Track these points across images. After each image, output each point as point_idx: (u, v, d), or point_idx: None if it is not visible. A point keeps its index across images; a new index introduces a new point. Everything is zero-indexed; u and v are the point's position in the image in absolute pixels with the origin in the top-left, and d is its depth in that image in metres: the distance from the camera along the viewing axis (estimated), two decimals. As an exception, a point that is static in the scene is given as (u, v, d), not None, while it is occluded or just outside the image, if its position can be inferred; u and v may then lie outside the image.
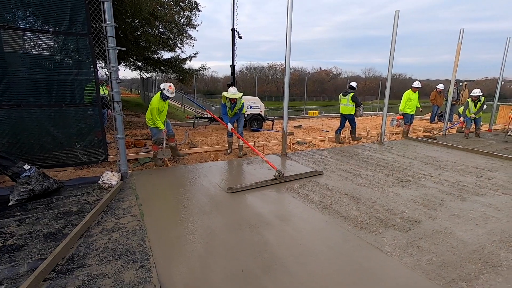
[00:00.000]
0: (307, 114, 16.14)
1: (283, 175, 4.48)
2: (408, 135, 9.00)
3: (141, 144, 6.76)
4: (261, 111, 10.23)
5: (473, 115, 8.96)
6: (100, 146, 4.46)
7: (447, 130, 9.77)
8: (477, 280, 2.28)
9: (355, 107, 7.77)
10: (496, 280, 2.27)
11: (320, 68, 65.16)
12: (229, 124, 6.07)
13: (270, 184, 4.34)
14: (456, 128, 10.58)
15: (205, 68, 16.77)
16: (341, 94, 8.08)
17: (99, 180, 4.11)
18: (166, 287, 2.12)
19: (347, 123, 8.20)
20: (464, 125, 9.51)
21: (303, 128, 10.96)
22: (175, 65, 14.95)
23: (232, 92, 6.02)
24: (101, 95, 4.44)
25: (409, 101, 8.84)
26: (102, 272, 2.25)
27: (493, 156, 6.49)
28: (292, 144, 7.57)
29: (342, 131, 8.32)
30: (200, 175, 4.77)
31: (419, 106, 9.39)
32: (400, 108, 9.03)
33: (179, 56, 14.98)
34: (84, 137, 4.33)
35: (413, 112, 9.04)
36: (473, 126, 9.35)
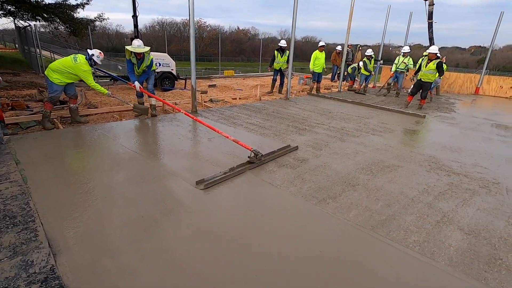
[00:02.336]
0: (223, 74, 16.00)
1: (261, 155, 3.54)
2: (313, 92, 9.97)
3: (22, 106, 5.68)
4: (172, 69, 9.66)
5: (371, 70, 10.36)
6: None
7: (361, 87, 11.07)
8: (340, 196, 2.91)
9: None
10: (353, 194, 2.95)
11: (238, 28, 63.68)
12: (136, 83, 5.53)
13: (243, 171, 3.36)
14: (348, 85, 12.19)
15: (103, 19, 14.52)
16: (277, 52, 9.21)
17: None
18: (56, 242, 2.05)
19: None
20: (354, 83, 11.08)
21: (217, 87, 10.93)
22: (62, 12, 12.41)
23: (137, 46, 5.37)
24: None
25: (317, 60, 9.67)
26: (-28, 240, 2.00)
27: (371, 107, 7.86)
28: (205, 102, 7.54)
29: (276, 84, 9.81)
30: (100, 135, 4.40)
31: (325, 67, 10.40)
32: (310, 67, 9.84)
33: (67, 2, 12.44)
34: None
35: (321, 71, 9.97)
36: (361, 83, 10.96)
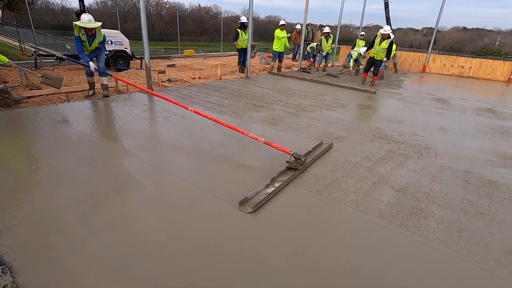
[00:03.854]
0: (183, 53, 15.42)
1: (304, 160, 2.98)
2: (274, 71, 10.05)
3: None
4: (125, 48, 9.12)
5: (327, 48, 10.62)
6: None
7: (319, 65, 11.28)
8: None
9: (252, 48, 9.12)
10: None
11: (199, 5, 60.74)
12: (91, 63, 5.15)
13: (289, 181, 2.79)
14: (308, 64, 12.45)
15: (44, -9, 12.93)
16: (240, 30, 9.14)
17: None
18: (-4, 224, 1.97)
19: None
20: (312, 62, 11.37)
21: (177, 67, 10.57)
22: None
23: (88, 21, 4.90)
24: None
25: (278, 39, 9.68)
26: None
27: (328, 84, 8.19)
28: (162, 81, 7.30)
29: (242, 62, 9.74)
30: (44, 117, 4.12)
31: (288, 45, 10.46)
32: (273, 48, 9.81)
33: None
34: None
35: (282, 50, 10.01)
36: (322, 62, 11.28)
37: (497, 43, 55.98)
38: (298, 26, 13.49)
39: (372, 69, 8.23)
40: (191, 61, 13.22)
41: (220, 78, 8.54)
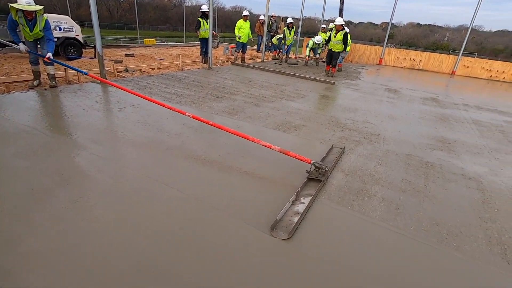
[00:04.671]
0: (143, 43, 14.72)
1: (326, 169, 2.72)
2: (238, 62, 9.99)
3: None
4: (77, 35, 8.48)
5: (290, 40, 10.78)
6: None
7: (285, 56, 11.34)
8: (248, 152, 3.15)
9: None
10: (262, 149, 3.21)
11: (161, -8, 57.86)
12: (21, 44, 4.69)
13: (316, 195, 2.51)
14: (271, 55, 12.57)
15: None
16: (202, 19, 9.04)
17: None
18: None
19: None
20: (278, 53, 11.48)
21: (135, 56, 10.08)
22: None
23: (26, 3, 4.42)
24: None
25: (241, 30, 9.58)
26: None
27: (290, 75, 8.35)
28: (118, 72, 6.93)
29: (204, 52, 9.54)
30: (-21, 109, 3.73)
31: (251, 37, 10.41)
32: (237, 39, 9.71)
33: None
34: None
35: (246, 41, 9.94)
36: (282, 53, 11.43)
37: (446, 38, 60.69)
38: (262, 17, 13.49)
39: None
40: (151, 51, 12.67)
41: (182, 69, 8.31)
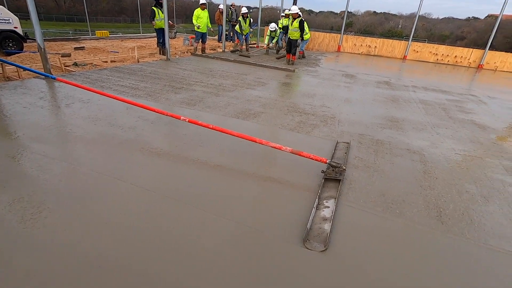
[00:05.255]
0: (95, 35, 13.77)
1: (343, 168, 2.57)
2: (198, 52, 9.75)
3: None
4: (15, 27, 7.70)
5: (247, 30, 10.71)
6: None
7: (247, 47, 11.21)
8: (208, 140, 3.13)
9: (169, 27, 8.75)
10: (221, 136, 3.21)
11: (113, -19, 54.03)
12: None
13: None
14: (232, 45, 12.45)
15: None
16: (156, 8, 8.75)
17: None
18: None
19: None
20: (239, 42, 11.37)
21: (86, 49, 9.42)
22: None
23: None
24: None
25: (199, 19, 9.30)
26: None
27: (251, 64, 8.35)
28: (66, 66, 6.45)
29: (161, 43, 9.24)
30: None
31: (210, 26, 10.16)
32: (195, 28, 9.41)
33: None
34: None
35: (205, 31, 9.70)
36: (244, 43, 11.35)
37: (399, 26, 64.18)
38: (221, 6, 13.23)
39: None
40: (105, 43, 11.90)
41: (138, 61, 7.94)
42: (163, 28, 8.20)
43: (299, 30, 8.14)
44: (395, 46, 14.06)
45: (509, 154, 3.63)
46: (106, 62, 7.40)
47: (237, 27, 11.76)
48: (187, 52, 10.47)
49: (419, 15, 13.61)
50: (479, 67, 13.05)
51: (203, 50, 10.04)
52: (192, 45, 11.89)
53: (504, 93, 7.83)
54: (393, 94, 6.27)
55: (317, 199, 2.26)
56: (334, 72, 8.50)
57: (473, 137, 4.13)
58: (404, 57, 13.85)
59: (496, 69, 13.08)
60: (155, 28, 9.15)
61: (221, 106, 4.42)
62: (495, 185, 2.83)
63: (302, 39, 8.69)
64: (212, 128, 2.94)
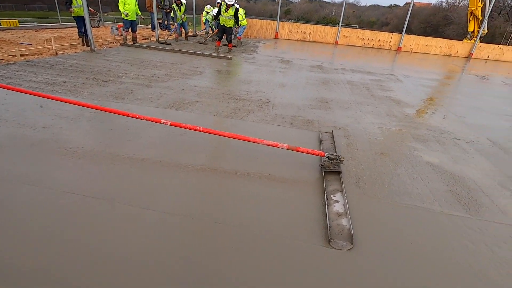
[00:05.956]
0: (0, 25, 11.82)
1: (342, 158, 2.53)
2: (128, 42, 9.05)
3: None
4: None
5: (178, 18, 10.27)
6: None
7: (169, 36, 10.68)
8: (142, 132, 2.97)
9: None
10: (155, 127, 3.07)
11: (20, -39, 46.38)
12: None
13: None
14: (173, 34, 11.88)
15: None
16: None
17: None
18: None
19: None
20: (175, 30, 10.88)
21: (-12, 42, 8.07)
22: None
23: None
24: None
25: (126, 6, 8.56)
26: None
27: (187, 53, 8.08)
28: (-39, 62, 5.45)
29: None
30: None
31: (140, 13, 9.44)
32: (122, 16, 8.64)
33: None
34: None
35: (134, 19, 8.99)
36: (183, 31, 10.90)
37: (333, 13, 68.00)
38: (151, -8, 12.42)
39: (225, 37, 8.55)
40: (14, 34, 10.31)
41: (56, 53, 7.08)
42: (83, 16, 7.39)
43: (233, 18, 8.08)
44: (327, 32, 14.89)
45: (417, 124, 4.19)
46: (15, 56, 6.44)
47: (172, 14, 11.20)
48: (116, 42, 9.67)
49: (347, 3, 14.57)
50: (398, 49, 14.61)
51: (134, 39, 9.36)
52: (121, 35, 11.01)
53: (417, 72, 8.93)
54: (324, 77, 6.69)
55: (325, 195, 2.24)
56: (271, 58, 8.70)
57: (389, 111, 4.65)
58: (336, 42, 14.79)
59: (411, 51, 14.78)
60: (73, 16, 8.24)
61: (153, 97, 4.22)
62: (403, 151, 3.26)
63: (238, 26, 8.65)
64: (199, 130, 2.71)
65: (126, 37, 9.13)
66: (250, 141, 2.66)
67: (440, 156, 3.19)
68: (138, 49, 8.36)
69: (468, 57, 14.50)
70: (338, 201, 2.20)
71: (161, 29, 13.88)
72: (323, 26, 15.52)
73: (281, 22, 14.95)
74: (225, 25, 8.22)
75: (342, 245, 1.78)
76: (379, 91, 5.92)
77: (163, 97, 4.26)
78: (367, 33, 15.02)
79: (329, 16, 64.57)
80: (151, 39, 10.85)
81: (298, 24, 15.53)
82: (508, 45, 20.73)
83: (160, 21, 14.06)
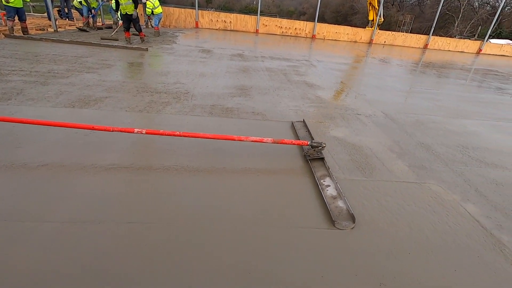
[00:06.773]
0: None
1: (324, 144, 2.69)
2: (15, 34, 7.63)
3: None
4: None
5: (93, 2, 9.10)
6: None
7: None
8: (47, 133, 2.56)
9: None
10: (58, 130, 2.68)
11: None
12: None
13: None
14: (83, 22, 10.45)
15: None
16: None
17: None
18: None
19: None
20: (86, 20, 9.64)
21: None
22: None
23: None
24: None
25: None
26: None
27: (94, 45, 7.24)
28: None
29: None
30: None
31: (28, 0, 8.02)
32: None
33: None
34: None
35: (20, 6, 7.59)
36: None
37: (254, 2, 69.07)
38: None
39: (132, 26, 7.91)
40: None
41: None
42: None
43: (132, 3, 7.45)
44: (247, 21, 15.09)
45: (327, 104, 4.62)
46: None
47: (76, 1, 9.87)
48: (-1, 34, 8.06)
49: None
50: (313, 37, 15.75)
51: (24, 30, 7.94)
52: (6, 25, 9.22)
53: (328, 57, 9.79)
54: (244, 65, 6.80)
55: (317, 181, 2.35)
56: (191, 48, 8.43)
57: (304, 94, 5.01)
58: (256, 31, 15.13)
59: (324, 38, 16.11)
60: None
61: (49, 96, 3.68)
62: (314, 129, 3.57)
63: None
64: (179, 135, 2.48)
65: (12, 27, 7.69)
66: (235, 140, 2.61)
67: (344, 131, 3.59)
68: (31, 41, 7.15)
69: (370, 42, 16.51)
70: (329, 185, 2.32)
71: (61, 17, 12.12)
72: (243, 15, 15.66)
73: (200, 11, 14.53)
74: (128, 12, 7.55)
75: (345, 225, 1.91)
76: (295, 76, 6.32)
77: (63, 95, 3.75)
78: (284, 22, 15.74)
79: (251, 5, 65.48)
80: (48, 29, 9.37)
81: (218, 12, 15.36)
82: (400, 31, 24.27)
83: (58, 8, 12.24)
